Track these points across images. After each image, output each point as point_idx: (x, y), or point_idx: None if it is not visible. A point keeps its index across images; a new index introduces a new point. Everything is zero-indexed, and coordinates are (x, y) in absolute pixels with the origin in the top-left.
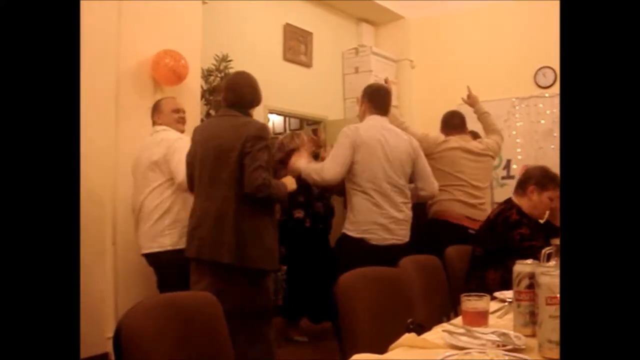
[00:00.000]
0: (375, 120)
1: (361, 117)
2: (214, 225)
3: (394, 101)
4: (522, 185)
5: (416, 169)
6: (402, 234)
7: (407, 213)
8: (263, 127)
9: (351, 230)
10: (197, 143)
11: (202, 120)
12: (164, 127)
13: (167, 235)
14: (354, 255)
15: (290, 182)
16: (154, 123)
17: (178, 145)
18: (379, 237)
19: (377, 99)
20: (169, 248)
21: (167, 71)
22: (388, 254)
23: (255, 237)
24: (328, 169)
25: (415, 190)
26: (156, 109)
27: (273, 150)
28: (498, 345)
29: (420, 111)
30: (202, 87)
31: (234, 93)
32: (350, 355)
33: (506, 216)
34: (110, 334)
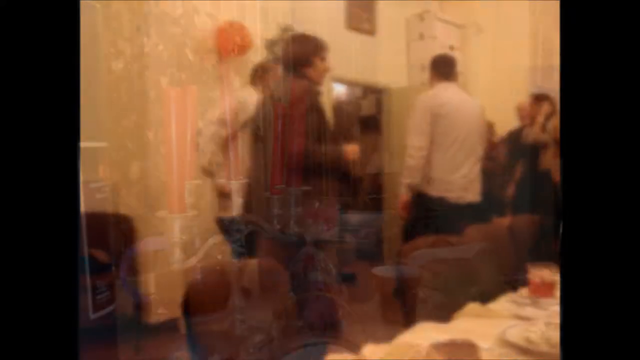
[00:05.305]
0: (447, 88)
1: (430, 86)
2: None
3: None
4: None
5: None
6: (477, 193)
7: (479, 172)
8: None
9: (430, 189)
10: None
11: None
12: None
13: None
14: (432, 214)
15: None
16: None
17: None
18: (457, 195)
19: (441, 66)
20: None
21: (230, 43)
22: (463, 212)
23: None
24: (417, 147)
25: None
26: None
27: None
28: None
29: (486, 78)
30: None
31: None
32: (415, 324)
33: None
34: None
